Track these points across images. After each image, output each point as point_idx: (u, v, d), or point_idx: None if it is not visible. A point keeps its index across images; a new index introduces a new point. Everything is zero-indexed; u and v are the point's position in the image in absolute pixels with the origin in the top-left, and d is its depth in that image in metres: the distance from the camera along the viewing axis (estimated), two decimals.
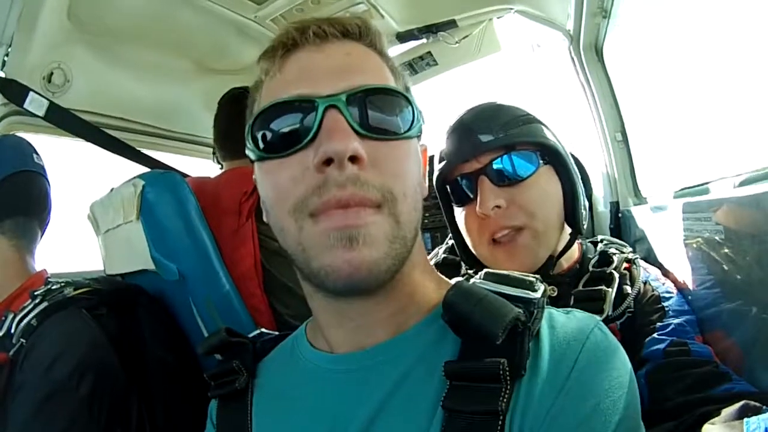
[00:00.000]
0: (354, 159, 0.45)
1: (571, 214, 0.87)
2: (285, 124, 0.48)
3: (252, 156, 0.52)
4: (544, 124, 0.89)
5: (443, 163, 0.88)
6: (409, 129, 0.50)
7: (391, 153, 0.48)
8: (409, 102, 0.51)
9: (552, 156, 0.86)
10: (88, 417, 0.86)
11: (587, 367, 0.43)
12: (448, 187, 0.90)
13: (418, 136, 0.54)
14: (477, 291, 0.48)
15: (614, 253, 0.89)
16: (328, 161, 0.45)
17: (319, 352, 0.56)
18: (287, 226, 0.48)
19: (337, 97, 0.47)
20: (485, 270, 0.54)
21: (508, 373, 0.42)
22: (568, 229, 0.89)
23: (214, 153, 1.42)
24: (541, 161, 0.85)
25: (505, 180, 0.83)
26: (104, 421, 0.88)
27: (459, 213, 0.90)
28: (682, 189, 1.06)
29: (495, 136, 0.83)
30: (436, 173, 0.91)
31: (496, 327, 0.43)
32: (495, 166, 0.83)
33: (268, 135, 0.50)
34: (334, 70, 0.49)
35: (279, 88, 0.50)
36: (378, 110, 0.48)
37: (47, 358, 0.86)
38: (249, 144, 0.52)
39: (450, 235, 1.06)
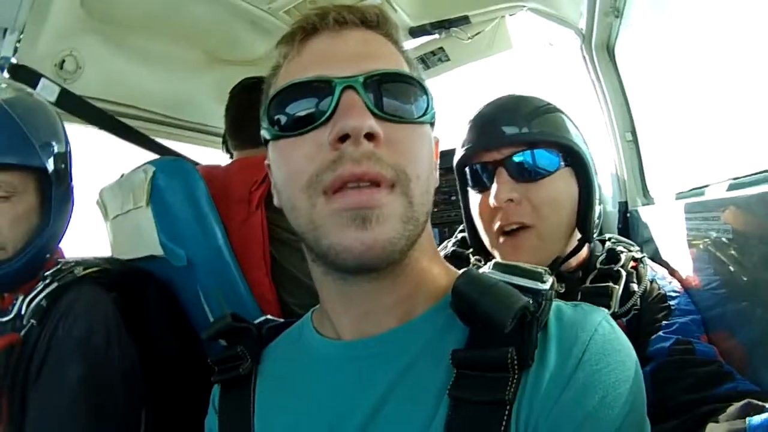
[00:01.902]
0: (370, 137, 0.45)
1: (583, 220, 0.86)
2: (302, 103, 0.49)
3: (267, 135, 0.53)
4: (566, 115, 0.89)
5: (466, 146, 0.88)
6: (423, 114, 0.51)
7: (406, 135, 0.49)
8: (424, 89, 0.52)
9: (575, 159, 0.85)
10: (124, 389, 0.91)
11: (594, 360, 0.43)
12: (467, 170, 0.90)
13: (432, 124, 0.54)
14: (486, 279, 0.48)
15: (621, 251, 0.89)
16: (344, 137, 0.45)
17: (325, 339, 0.56)
18: (299, 203, 0.48)
19: (355, 79, 0.47)
20: (494, 260, 0.54)
21: (516, 362, 0.42)
22: (577, 234, 0.88)
23: (224, 142, 1.43)
24: (562, 162, 0.84)
25: (523, 175, 0.82)
26: (137, 395, 0.93)
27: (474, 197, 0.90)
28: (686, 191, 1.06)
29: (519, 129, 0.83)
30: (457, 156, 0.91)
31: (504, 315, 0.43)
32: (515, 160, 0.82)
33: (285, 114, 0.50)
34: (352, 54, 0.50)
35: (297, 70, 0.51)
36: (393, 94, 0.49)
37: (81, 329, 0.88)
38: (264, 124, 0.52)
39: (459, 228, 1.06)
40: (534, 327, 0.44)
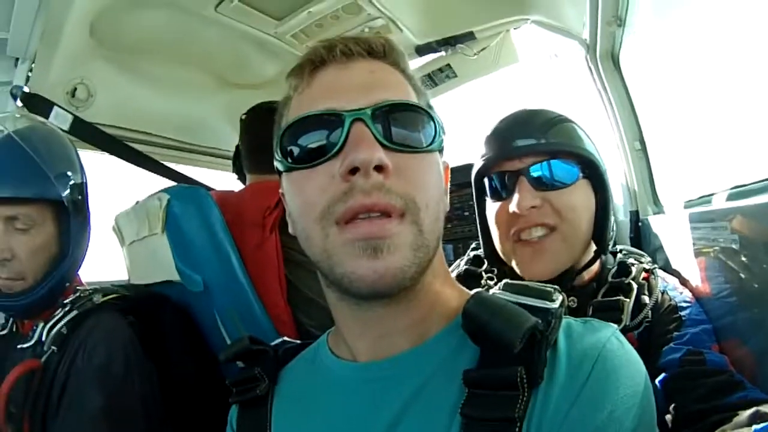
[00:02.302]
0: (379, 168, 0.47)
1: (599, 232, 0.87)
2: (313, 136, 0.50)
3: (280, 167, 0.54)
4: (579, 126, 0.90)
5: (485, 157, 0.90)
6: (431, 143, 0.52)
7: (414, 164, 0.50)
8: (431, 117, 0.53)
9: (592, 170, 0.86)
10: (145, 413, 0.91)
11: (602, 375, 0.43)
12: (485, 180, 0.91)
13: (440, 151, 0.55)
14: (496, 301, 0.48)
15: (633, 264, 0.89)
16: (354, 170, 0.46)
17: (340, 361, 0.57)
18: (313, 234, 0.49)
19: (363, 111, 0.48)
20: (505, 281, 0.55)
21: (525, 380, 0.43)
22: (592, 247, 0.89)
23: (234, 164, 1.44)
24: (580, 174, 0.85)
25: (544, 185, 0.83)
26: (156, 419, 0.93)
27: (491, 207, 0.91)
28: (696, 199, 1.06)
29: (538, 140, 0.85)
30: (476, 167, 0.92)
31: (514, 336, 0.43)
32: (536, 169, 0.83)
33: (297, 147, 0.51)
34: (360, 86, 0.51)
35: (307, 102, 0.52)
36: (401, 124, 0.50)
37: (101, 357, 0.89)
38: (278, 156, 0.53)
39: (472, 246, 1.07)
40: (543, 346, 0.45)
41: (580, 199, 0.85)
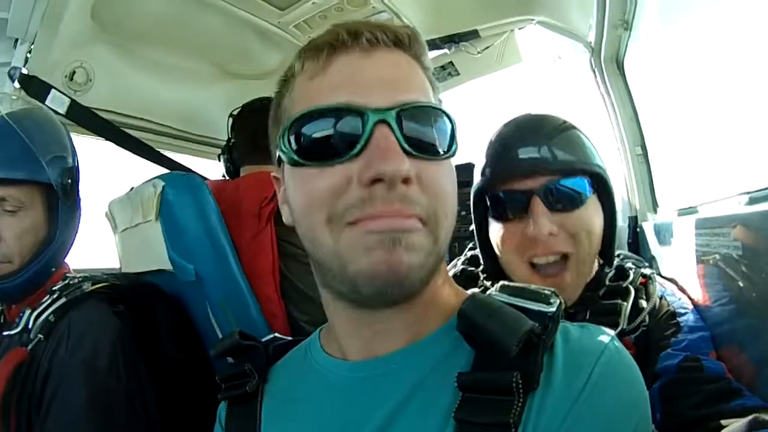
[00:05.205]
0: (404, 180, 0.44)
1: (607, 246, 0.86)
2: (329, 131, 0.47)
3: (285, 159, 0.50)
4: (585, 135, 0.88)
5: (489, 172, 0.86)
6: (449, 149, 0.50)
7: (435, 172, 0.47)
8: (451, 121, 0.50)
9: (601, 186, 0.84)
10: (130, 408, 0.90)
11: (601, 382, 0.42)
12: (488, 198, 0.88)
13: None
14: (492, 303, 0.47)
15: (630, 268, 0.88)
16: (378, 179, 0.44)
17: (332, 359, 0.55)
18: (321, 237, 0.47)
19: (388, 112, 0.45)
20: (501, 282, 0.53)
21: (521, 385, 0.42)
22: (597, 260, 0.88)
23: (222, 153, 1.42)
24: (591, 189, 0.83)
25: (559, 205, 0.80)
26: (142, 412, 0.92)
27: (496, 228, 0.87)
28: (695, 205, 1.05)
29: (547, 155, 0.81)
30: (477, 183, 0.89)
31: (510, 339, 0.42)
32: (548, 190, 0.80)
33: (308, 140, 0.48)
34: (383, 80, 0.48)
35: (323, 91, 0.48)
36: (423, 128, 0.47)
37: (86, 351, 0.88)
38: (283, 146, 0.49)
39: (469, 246, 1.05)
40: (540, 350, 0.44)
41: (592, 218, 0.82)
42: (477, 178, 0.89)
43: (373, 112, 0.45)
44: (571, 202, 0.81)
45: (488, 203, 0.88)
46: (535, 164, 0.81)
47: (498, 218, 0.87)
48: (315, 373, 0.56)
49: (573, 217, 0.80)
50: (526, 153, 0.82)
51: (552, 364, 0.44)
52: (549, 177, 0.80)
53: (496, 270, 0.92)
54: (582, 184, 0.82)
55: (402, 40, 0.51)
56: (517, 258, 0.84)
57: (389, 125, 0.45)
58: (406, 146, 0.45)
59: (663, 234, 1.16)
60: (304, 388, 0.56)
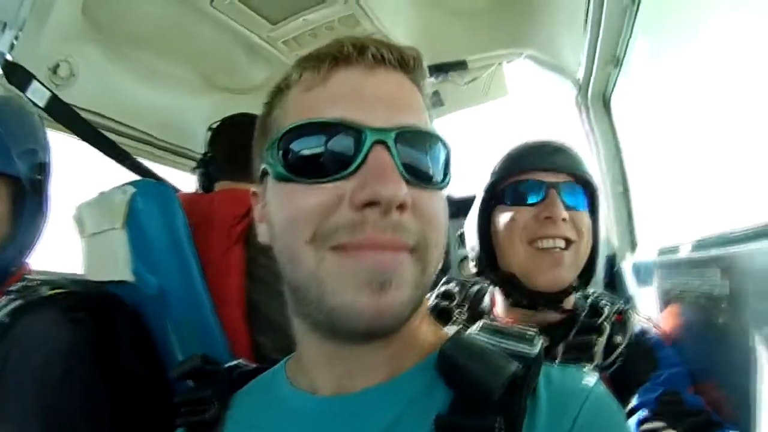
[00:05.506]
0: (400, 206, 0.42)
1: (590, 261, 0.93)
2: (323, 147, 0.44)
3: (270, 172, 0.47)
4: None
5: (514, 162, 0.95)
6: (444, 179, 0.48)
7: (430, 201, 0.46)
8: (447, 150, 0.49)
9: (594, 205, 0.94)
10: (82, 421, 0.85)
11: (590, 419, 0.42)
12: (508, 184, 0.94)
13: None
14: (475, 344, 0.46)
15: (605, 305, 0.91)
16: (372, 203, 0.42)
17: (300, 392, 0.52)
18: (302, 256, 0.44)
19: (388, 134, 0.44)
20: (482, 322, 0.52)
21: (503, 430, 0.40)
22: None
23: (198, 166, 1.38)
24: (588, 203, 0.93)
25: (570, 203, 0.90)
26: (96, 427, 0.87)
27: (506, 214, 0.93)
28: (673, 245, 1.06)
29: (571, 162, 0.93)
30: (498, 171, 0.97)
31: (494, 381, 0.41)
32: (567, 188, 0.90)
33: (299, 154, 0.45)
34: (385, 100, 0.46)
35: (321, 103, 0.46)
36: (420, 155, 0.46)
37: (37, 360, 0.83)
38: (270, 158, 0.47)
39: (442, 281, 1.09)
40: (523, 393, 0.42)
41: (589, 225, 0.92)
42: (500, 167, 0.97)
43: (372, 131, 0.43)
44: (580, 204, 0.91)
45: (502, 193, 0.95)
46: (554, 163, 0.92)
47: (513, 203, 0.93)
48: (280, 406, 0.53)
49: (579, 215, 0.90)
50: (546, 154, 0.93)
51: (535, 408, 0.43)
52: (566, 177, 0.91)
53: (490, 258, 0.97)
54: (586, 194, 0.93)
55: (407, 62, 0.50)
56: (521, 236, 0.91)
57: (387, 147, 0.43)
58: (402, 171, 0.43)
59: (641, 273, 1.16)
60: (268, 421, 0.53)
